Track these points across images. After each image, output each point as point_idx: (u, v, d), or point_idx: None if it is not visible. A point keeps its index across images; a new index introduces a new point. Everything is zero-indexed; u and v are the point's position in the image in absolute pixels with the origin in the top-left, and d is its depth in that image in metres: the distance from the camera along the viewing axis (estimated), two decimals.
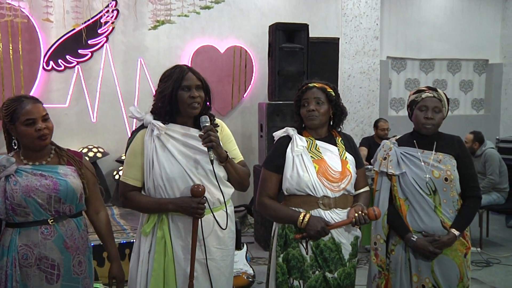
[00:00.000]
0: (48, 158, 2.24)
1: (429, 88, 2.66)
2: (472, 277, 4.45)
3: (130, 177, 2.30)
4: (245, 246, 4.30)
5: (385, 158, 2.65)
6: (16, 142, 2.21)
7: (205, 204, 2.21)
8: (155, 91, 2.35)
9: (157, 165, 2.23)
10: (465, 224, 2.59)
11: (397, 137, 2.79)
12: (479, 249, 5.23)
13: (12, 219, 2.14)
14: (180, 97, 2.26)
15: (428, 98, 2.59)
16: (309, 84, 2.51)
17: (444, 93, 2.66)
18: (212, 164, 2.21)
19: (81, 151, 5.81)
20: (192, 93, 2.26)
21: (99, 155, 6.02)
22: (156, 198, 2.26)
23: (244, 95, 6.84)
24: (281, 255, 2.44)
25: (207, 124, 2.26)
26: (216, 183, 2.26)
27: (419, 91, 2.65)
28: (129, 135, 6.67)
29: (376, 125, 6.22)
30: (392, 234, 2.64)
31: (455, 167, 2.58)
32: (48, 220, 2.16)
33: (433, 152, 2.60)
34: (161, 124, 2.26)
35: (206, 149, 2.24)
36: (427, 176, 2.54)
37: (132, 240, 4.24)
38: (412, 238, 2.54)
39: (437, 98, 2.59)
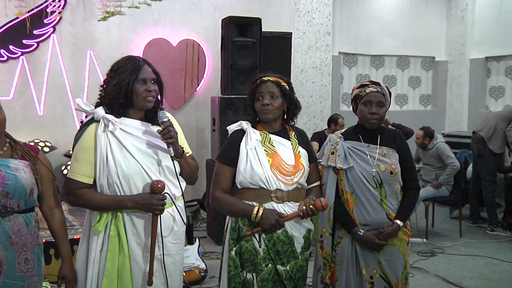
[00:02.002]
0: (1, 151, 2.16)
1: (372, 82, 2.71)
2: (417, 267, 4.64)
3: (80, 174, 2.19)
4: (197, 240, 4.28)
5: (332, 153, 2.69)
6: None
7: (167, 197, 2.18)
8: (104, 82, 2.26)
9: (112, 161, 2.14)
10: (407, 214, 2.68)
11: (342, 131, 2.84)
12: (424, 239, 5.42)
13: None
14: (136, 90, 2.19)
15: (372, 93, 2.64)
16: (263, 78, 2.51)
17: (386, 87, 2.73)
18: (172, 160, 2.18)
19: None
20: (148, 86, 2.21)
21: (46, 149, 5.81)
22: (112, 196, 2.17)
23: (197, 89, 6.78)
24: (234, 249, 2.43)
25: (165, 120, 2.21)
26: (172, 179, 2.23)
27: (363, 86, 2.71)
28: (78, 128, 6.46)
29: (335, 121, 6.28)
30: (338, 227, 2.69)
31: (397, 160, 2.66)
32: None
33: (378, 146, 2.66)
34: (115, 119, 2.17)
35: (162, 144, 2.20)
36: (374, 170, 2.60)
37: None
38: (359, 232, 2.59)
39: (380, 93, 2.65)
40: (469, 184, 6.25)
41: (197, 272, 4.10)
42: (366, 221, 2.61)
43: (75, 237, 4.11)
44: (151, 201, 2.13)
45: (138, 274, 2.20)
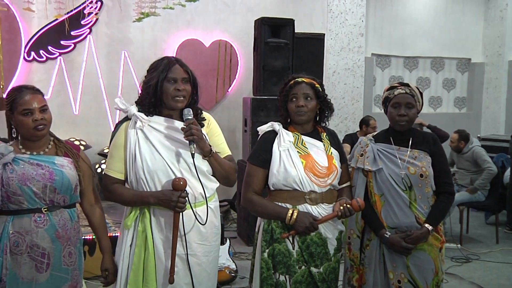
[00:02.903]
0: (46, 149, 2.25)
1: (401, 84, 2.67)
2: (452, 273, 4.54)
3: (113, 169, 2.28)
4: (228, 241, 4.29)
5: (362, 155, 2.67)
6: (15, 131, 2.23)
7: (186, 199, 2.19)
8: (141, 83, 2.32)
9: (139, 157, 2.20)
10: (438, 219, 2.62)
11: (374, 134, 2.80)
12: (459, 245, 5.30)
13: (6, 207, 2.15)
14: (165, 89, 2.22)
15: (400, 95, 2.60)
16: (298, 79, 2.50)
17: (417, 87, 2.68)
18: (193, 157, 2.18)
19: None
20: (177, 85, 2.23)
21: (81, 148, 5.94)
22: (138, 191, 2.24)
23: (229, 90, 6.81)
24: (267, 250, 2.43)
25: (189, 117, 2.22)
26: (201, 177, 2.24)
27: (392, 88, 2.67)
28: (112, 128, 6.60)
29: (367, 122, 6.22)
30: (368, 229, 2.66)
31: (430, 164, 2.61)
32: (42, 209, 2.17)
33: (409, 149, 2.62)
34: (144, 116, 2.23)
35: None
36: (403, 172, 2.56)
37: (114, 234, 4.21)
38: (385, 234, 2.55)
39: (409, 94, 2.60)
40: (506, 189, 6.07)
41: (227, 273, 4.11)
42: (394, 223, 2.57)
43: (109, 235, 4.18)
44: (170, 198, 2.15)
45: (161, 270, 2.23)
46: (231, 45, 6.73)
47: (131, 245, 2.26)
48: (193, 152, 2.18)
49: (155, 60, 2.32)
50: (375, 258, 2.61)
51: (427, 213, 2.59)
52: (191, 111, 2.26)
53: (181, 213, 2.19)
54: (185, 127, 2.19)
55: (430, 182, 2.60)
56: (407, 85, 2.65)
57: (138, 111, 2.26)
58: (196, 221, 2.26)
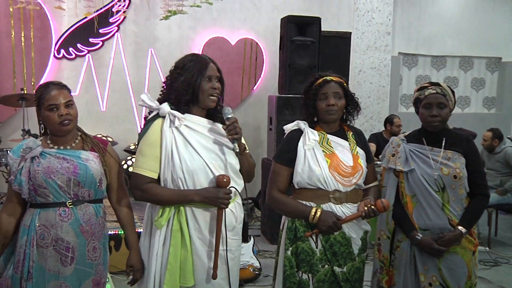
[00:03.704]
0: (73, 144, 2.28)
1: (432, 83, 2.61)
2: (480, 276, 4.45)
3: (147, 168, 2.21)
4: (252, 239, 4.30)
5: (393, 155, 2.63)
6: (43, 126, 2.28)
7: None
8: (169, 79, 2.29)
9: (176, 156, 2.17)
10: (472, 222, 2.56)
11: (406, 134, 2.76)
12: (487, 248, 5.19)
13: (34, 200, 2.20)
14: (202, 86, 2.22)
15: (431, 95, 2.55)
16: (327, 78, 2.48)
17: (448, 86, 2.62)
18: (237, 155, 2.20)
19: None
20: (213, 83, 2.24)
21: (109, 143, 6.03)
22: (178, 190, 2.19)
23: (254, 88, 6.82)
24: (290, 248, 2.43)
25: (230, 116, 2.22)
26: (234, 175, 2.25)
27: (422, 88, 2.62)
28: (139, 125, 6.63)
29: (391, 121, 6.16)
30: (398, 230, 2.62)
31: (464, 165, 2.55)
32: (67, 203, 2.20)
33: (442, 149, 2.57)
34: (180, 114, 2.20)
35: (224, 141, 2.23)
36: (436, 173, 2.52)
37: (140, 230, 4.24)
38: (417, 236, 2.51)
39: (440, 94, 2.55)
40: None
41: (251, 270, 4.12)
42: (425, 225, 2.53)
43: (135, 230, 4.24)
44: (217, 195, 2.14)
45: (199, 268, 2.22)
46: (257, 43, 6.74)
47: (163, 244, 2.22)
48: (237, 150, 2.18)
49: (182, 58, 2.30)
50: (405, 260, 2.57)
51: (460, 215, 2.54)
52: (231, 109, 2.26)
53: (224, 210, 2.19)
54: (228, 125, 2.19)
55: (464, 184, 2.54)
56: (438, 84, 2.60)
57: (171, 109, 2.22)
58: (231, 217, 2.27)
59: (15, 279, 2.20)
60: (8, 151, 4.82)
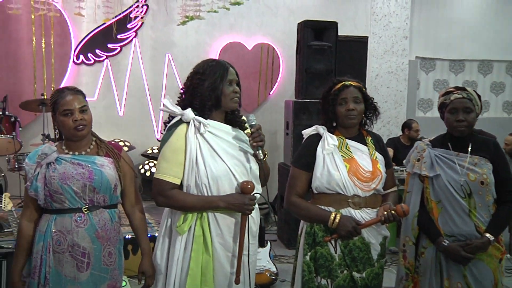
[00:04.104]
0: (88, 149, 2.29)
1: (458, 88, 2.58)
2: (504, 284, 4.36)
3: (170, 174, 2.19)
4: (268, 243, 4.30)
5: (418, 160, 2.60)
6: (58, 132, 2.30)
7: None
8: (190, 85, 2.27)
9: (201, 163, 2.17)
10: (500, 229, 2.52)
11: (431, 139, 2.72)
12: (508, 255, 5.10)
13: (50, 206, 2.20)
14: (225, 91, 2.22)
15: (457, 100, 2.52)
16: (346, 82, 2.48)
17: (474, 91, 2.58)
18: (261, 162, 2.21)
19: None
20: (234, 88, 2.25)
21: (125, 148, 6.06)
22: (202, 196, 2.19)
23: (271, 93, 6.83)
24: (309, 253, 2.42)
25: (254, 123, 2.23)
26: (255, 181, 2.25)
27: (448, 93, 2.59)
28: (156, 130, 6.66)
29: (409, 126, 6.11)
30: (423, 236, 2.59)
31: (490, 171, 2.51)
32: (82, 209, 2.21)
33: (469, 155, 2.53)
34: (205, 121, 2.20)
35: (246, 147, 2.24)
36: (462, 179, 2.48)
37: (157, 235, 4.26)
38: (443, 242, 2.48)
39: (466, 98, 2.52)
40: None
41: (268, 275, 4.11)
42: (451, 231, 2.50)
43: (151, 235, 4.26)
44: (243, 201, 2.15)
45: (220, 274, 2.22)
46: (274, 48, 6.75)
47: (185, 250, 2.22)
48: (261, 157, 2.19)
49: (202, 63, 2.30)
50: (430, 267, 2.54)
51: (487, 222, 2.49)
52: (255, 116, 2.28)
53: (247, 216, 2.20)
54: (251, 132, 2.20)
55: (491, 190, 2.49)
56: (463, 89, 2.56)
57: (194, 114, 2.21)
58: (250, 222, 2.26)
59: (32, 284, 2.21)
60: None
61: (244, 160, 2.25)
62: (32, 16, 5.83)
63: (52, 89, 5.98)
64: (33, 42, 5.93)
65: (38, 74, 5.99)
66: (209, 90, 2.20)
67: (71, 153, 2.25)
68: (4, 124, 4.77)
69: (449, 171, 2.52)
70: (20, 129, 5.13)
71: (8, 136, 4.82)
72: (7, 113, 4.83)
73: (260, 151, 2.20)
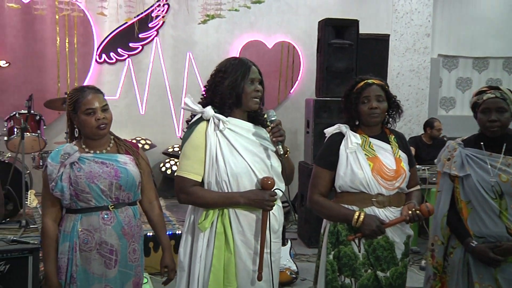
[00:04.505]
0: (108, 147, 2.31)
1: (491, 87, 2.53)
2: None
3: (191, 171, 2.21)
4: (289, 242, 4.29)
5: (449, 159, 2.56)
6: (77, 131, 2.30)
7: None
8: (212, 83, 2.28)
9: (221, 159, 2.18)
10: None
11: (464, 138, 2.67)
12: None
13: (74, 205, 2.22)
14: (246, 90, 2.22)
15: (489, 100, 2.47)
16: (368, 81, 2.46)
17: (509, 89, 2.53)
18: (281, 158, 2.20)
19: None
20: (256, 86, 2.24)
21: (146, 147, 6.15)
22: (223, 193, 2.19)
23: (291, 91, 6.82)
24: (332, 252, 2.41)
25: (274, 118, 2.23)
26: (277, 178, 2.24)
27: (480, 92, 2.54)
28: (177, 128, 6.71)
29: (431, 124, 6.05)
30: (452, 237, 2.55)
31: None
32: (109, 206, 2.23)
33: (502, 155, 2.47)
34: (224, 118, 2.21)
35: (267, 144, 2.24)
36: (494, 179, 2.43)
37: (178, 232, 4.31)
38: (471, 243, 2.44)
39: (500, 98, 2.46)
40: None
41: (288, 274, 4.11)
42: (481, 233, 2.45)
43: (172, 232, 4.30)
44: (263, 197, 2.15)
45: (242, 271, 2.22)
46: (294, 46, 6.74)
47: (207, 247, 2.23)
48: (281, 152, 2.19)
49: (224, 61, 2.30)
50: (458, 267, 2.50)
51: None
52: (274, 112, 2.27)
53: (268, 212, 2.19)
54: (271, 127, 2.20)
55: None
56: (497, 88, 2.51)
57: (214, 112, 2.23)
58: (272, 220, 2.26)
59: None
60: None
61: (264, 157, 2.25)
62: (57, 16, 5.92)
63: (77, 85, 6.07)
64: (57, 42, 6.02)
65: (62, 73, 6.09)
66: (230, 88, 2.21)
67: (92, 151, 2.27)
68: (30, 123, 4.85)
69: (480, 171, 2.47)
70: (44, 127, 5.21)
71: (34, 134, 4.90)
72: (32, 111, 4.90)
73: (281, 147, 2.19)
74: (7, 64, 5.88)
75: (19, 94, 5.74)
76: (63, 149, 2.23)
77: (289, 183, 2.42)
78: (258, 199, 2.16)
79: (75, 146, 2.25)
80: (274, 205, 2.19)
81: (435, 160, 2.71)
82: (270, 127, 2.21)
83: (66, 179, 2.18)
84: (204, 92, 2.33)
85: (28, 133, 4.77)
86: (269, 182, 2.16)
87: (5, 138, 4.93)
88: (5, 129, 4.98)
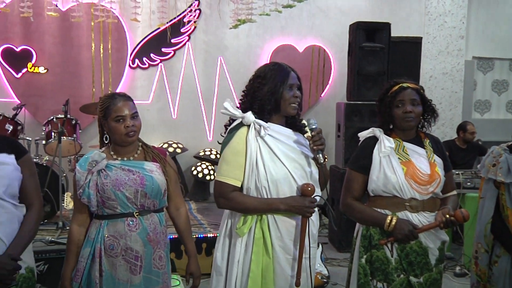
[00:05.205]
0: (135, 154, 2.32)
1: None
2: None
3: (231, 177, 2.23)
4: (320, 246, 4.28)
5: (494, 165, 2.50)
6: (107, 137, 2.32)
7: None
8: (251, 88, 2.29)
9: (261, 165, 2.19)
10: None
11: (508, 144, 2.61)
12: None
13: (101, 211, 2.25)
14: (284, 95, 2.23)
15: None
16: (403, 84, 2.45)
17: None
18: (321, 166, 2.21)
19: (162, 146, 6.04)
20: (295, 92, 2.25)
21: (178, 150, 6.22)
22: (263, 199, 2.20)
23: (322, 95, 6.80)
24: (365, 256, 2.41)
25: (315, 126, 2.23)
26: (315, 184, 2.24)
27: None
28: (208, 132, 6.74)
29: (464, 128, 5.95)
30: (497, 244, 2.49)
31: None
32: (134, 213, 2.24)
33: None
34: (265, 124, 2.22)
35: (306, 151, 2.24)
36: None
37: (209, 235, 4.35)
38: None
39: None
40: None
41: (320, 278, 4.10)
42: None
43: (204, 235, 4.35)
44: (303, 204, 2.15)
45: (281, 276, 2.23)
46: (325, 50, 6.72)
47: (245, 252, 2.24)
48: (321, 161, 2.19)
49: (263, 66, 2.32)
50: (504, 277, 2.44)
51: None
52: (315, 120, 2.27)
53: (308, 219, 2.20)
54: (312, 136, 2.21)
55: None
56: None
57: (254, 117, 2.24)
58: (311, 225, 2.26)
59: (74, 286, 2.27)
60: None
61: (304, 164, 2.25)
62: (92, 23, 6.06)
63: (110, 91, 6.19)
64: (92, 48, 6.16)
65: (96, 78, 6.23)
66: (269, 94, 2.22)
67: (119, 158, 2.28)
68: (66, 127, 4.96)
69: None
70: (80, 131, 5.33)
71: (70, 138, 5.02)
72: (68, 116, 5.02)
73: (321, 155, 2.20)
74: (46, 70, 6.06)
75: (56, 99, 5.90)
76: (91, 156, 2.26)
77: (322, 190, 2.43)
78: (299, 205, 2.16)
79: (103, 153, 2.28)
80: (314, 212, 2.20)
81: (478, 166, 2.65)
82: (311, 135, 2.21)
83: (93, 186, 2.21)
84: (242, 97, 2.34)
85: (64, 137, 4.88)
86: (309, 188, 2.17)
87: (43, 142, 5.06)
88: (43, 133, 5.12)
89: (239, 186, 2.24)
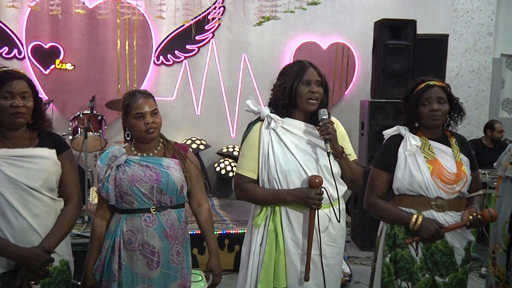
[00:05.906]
0: (155, 150, 2.35)
1: None
2: None
3: (246, 169, 2.31)
4: None
5: (511, 163, 2.48)
6: (129, 133, 2.35)
7: (325, 196, 2.20)
8: (274, 85, 2.36)
9: (272, 157, 2.24)
10: None
11: None
12: None
13: (120, 206, 2.28)
14: (300, 91, 2.25)
15: None
16: (430, 82, 2.42)
17: None
18: (328, 156, 2.19)
19: (185, 142, 6.09)
20: (312, 87, 2.26)
21: (201, 147, 6.26)
22: (272, 190, 2.26)
23: (345, 93, 6.76)
24: (389, 255, 2.39)
25: (324, 117, 2.24)
26: (329, 178, 2.23)
27: None
28: (231, 128, 6.78)
29: (492, 126, 5.85)
30: None
31: None
32: (150, 209, 2.27)
33: None
34: (278, 117, 2.27)
35: (321, 144, 2.23)
36: None
37: (232, 231, 4.39)
38: None
39: None
40: None
41: (342, 276, 4.08)
42: None
43: (227, 231, 4.39)
44: (308, 195, 2.16)
45: (292, 270, 2.24)
46: (349, 47, 6.67)
47: (261, 244, 2.28)
48: (328, 150, 2.18)
49: (287, 64, 2.37)
50: None
51: None
52: (326, 111, 2.27)
53: (316, 211, 2.19)
54: (321, 125, 2.21)
55: None
56: None
57: (271, 112, 2.30)
58: (328, 222, 2.26)
59: (96, 276, 2.31)
60: None
61: (316, 156, 2.26)
62: (118, 20, 6.14)
63: (134, 89, 6.27)
64: (118, 45, 6.25)
65: (122, 75, 6.31)
66: (281, 89, 2.27)
67: (139, 154, 2.31)
68: (92, 123, 5.05)
69: None
70: (105, 127, 5.42)
71: (96, 133, 5.11)
72: (94, 112, 5.11)
73: (328, 145, 2.18)
74: (73, 67, 6.17)
75: (82, 95, 6.00)
76: (111, 152, 2.29)
77: (355, 188, 2.42)
78: (304, 196, 2.17)
79: (123, 149, 2.32)
80: (320, 204, 2.18)
81: (495, 164, 2.62)
82: (319, 125, 2.22)
83: (111, 181, 2.25)
84: (270, 95, 2.41)
85: (90, 133, 4.97)
86: (317, 180, 2.17)
87: (70, 137, 5.15)
88: (70, 128, 5.21)
89: (255, 178, 2.31)
